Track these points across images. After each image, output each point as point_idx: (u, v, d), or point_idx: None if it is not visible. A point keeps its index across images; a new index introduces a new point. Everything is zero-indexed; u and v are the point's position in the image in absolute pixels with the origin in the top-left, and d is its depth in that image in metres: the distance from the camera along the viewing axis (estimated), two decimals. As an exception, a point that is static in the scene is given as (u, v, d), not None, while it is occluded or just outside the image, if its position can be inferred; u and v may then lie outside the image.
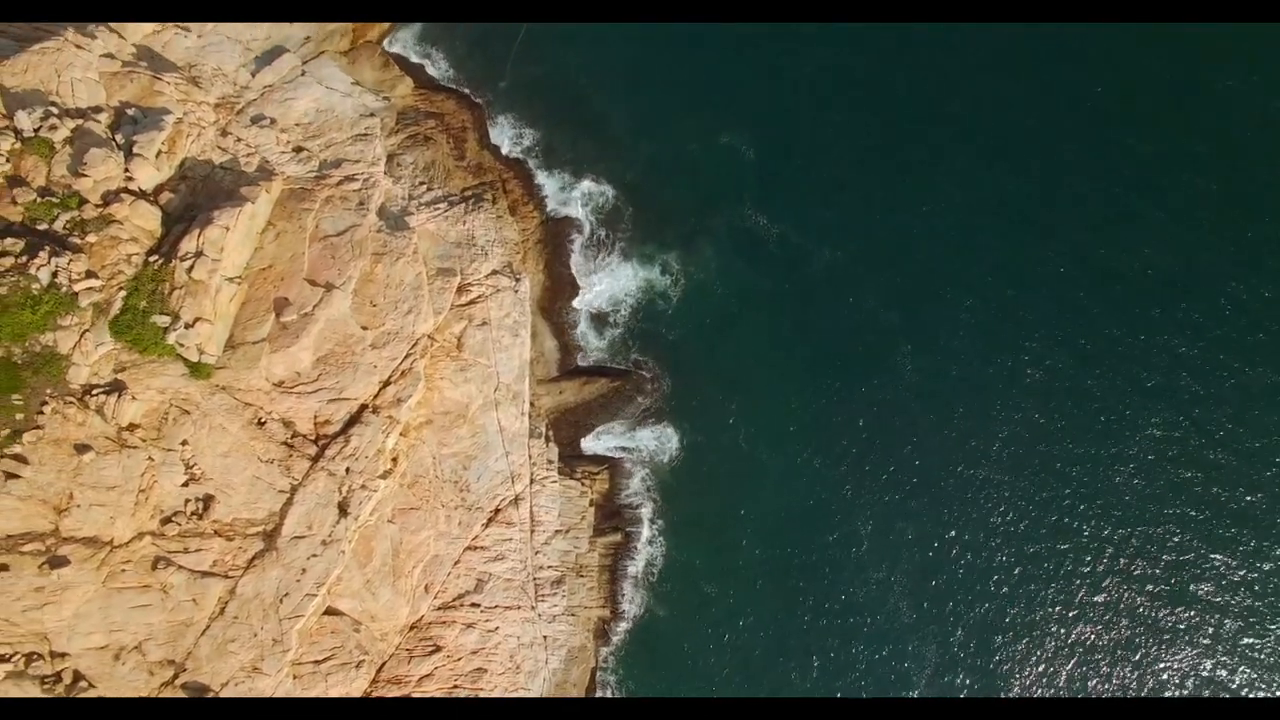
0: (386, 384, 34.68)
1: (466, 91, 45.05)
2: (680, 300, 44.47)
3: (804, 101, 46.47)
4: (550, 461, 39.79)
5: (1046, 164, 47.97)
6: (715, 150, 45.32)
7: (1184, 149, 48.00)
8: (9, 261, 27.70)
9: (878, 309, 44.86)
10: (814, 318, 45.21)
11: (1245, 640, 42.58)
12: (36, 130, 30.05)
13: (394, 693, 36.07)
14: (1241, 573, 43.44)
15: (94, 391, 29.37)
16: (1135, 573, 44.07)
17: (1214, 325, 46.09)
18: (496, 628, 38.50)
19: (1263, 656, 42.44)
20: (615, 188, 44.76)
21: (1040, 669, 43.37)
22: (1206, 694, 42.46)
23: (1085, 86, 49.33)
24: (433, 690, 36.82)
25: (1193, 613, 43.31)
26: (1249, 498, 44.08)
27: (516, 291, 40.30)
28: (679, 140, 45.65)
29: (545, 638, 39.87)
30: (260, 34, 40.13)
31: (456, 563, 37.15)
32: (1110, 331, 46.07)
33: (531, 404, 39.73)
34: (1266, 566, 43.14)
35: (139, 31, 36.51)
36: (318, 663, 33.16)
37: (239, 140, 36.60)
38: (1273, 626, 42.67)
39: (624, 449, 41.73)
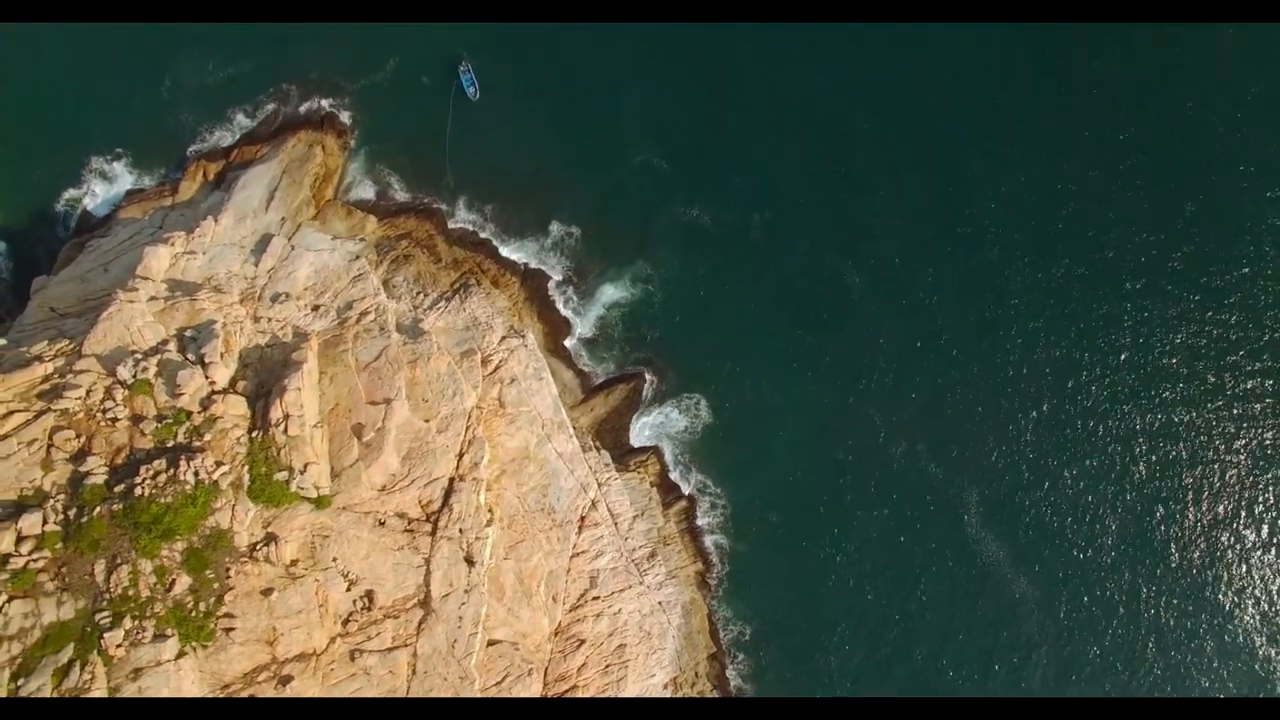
0: (461, 456, 42.62)
1: (420, 205, 52.84)
2: (659, 300, 52.40)
3: (690, 106, 54.37)
4: (607, 465, 47.80)
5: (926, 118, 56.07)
6: (635, 170, 53.25)
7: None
8: (163, 477, 35.70)
9: (814, 247, 53.12)
10: (767, 272, 53.42)
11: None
12: (134, 376, 38.00)
13: (562, 687, 44.09)
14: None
15: (257, 547, 37.34)
16: (1124, 390, 52.88)
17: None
18: (619, 610, 46.44)
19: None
20: (569, 231, 52.53)
21: (1048, 491, 51.75)
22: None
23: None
24: (591, 675, 44.81)
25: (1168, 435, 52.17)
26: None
27: (526, 346, 48.17)
28: (603, 173, 53.43)
29: (660, 603, 47.80)
30: (246, 230, 48.15)
31: (568, 571, 45.11)
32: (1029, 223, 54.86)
33: (574, 427, 47.68)
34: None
35: (160, 271, 44.55)
36: (499, 683, 41.15)
37: (269, 320, 44.58)
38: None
39: (660, 432, 49.81)
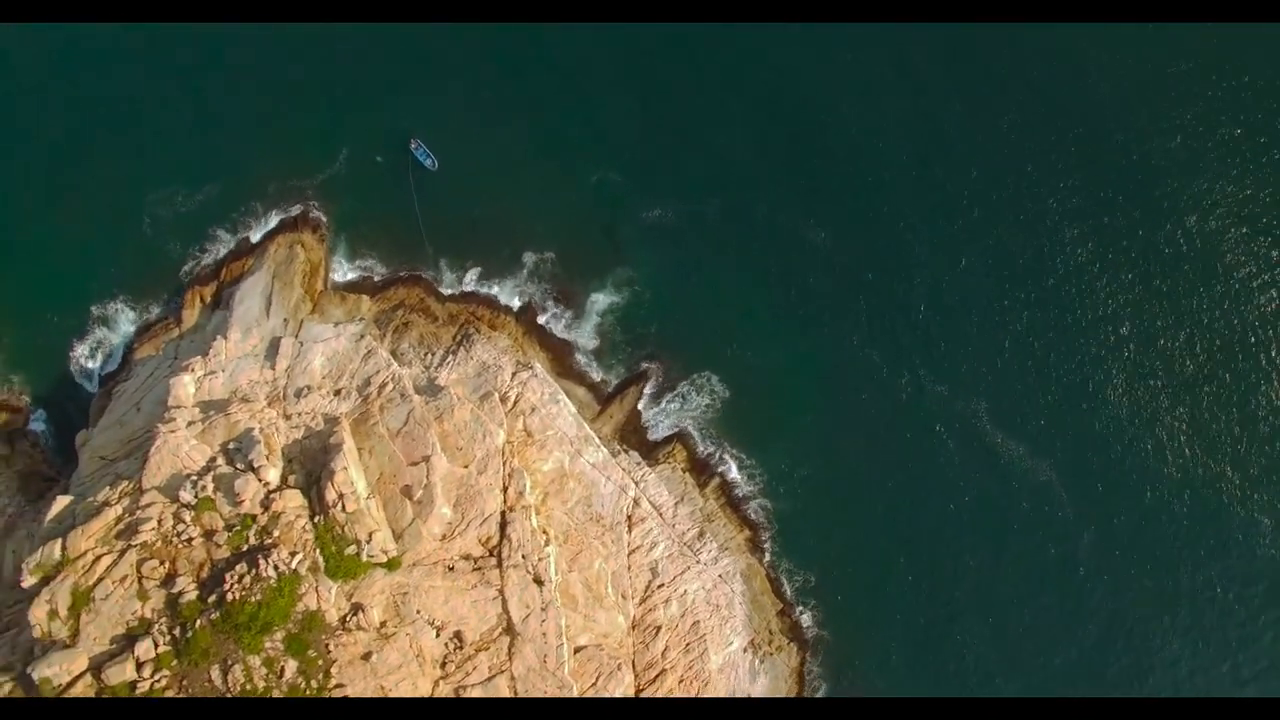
0: (505, 489, 45.81)
1: (405, 274, 55.73)
2: (647, 299, 55.42)
3: (626, 120, 57.46)
4: (638, 463, 50.97)
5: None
6: (592, 188, 56.29)
7: None
8: (248, 579, 38.88)
9: (771, 215, 56.37)
10: (737, 246, 56.54)
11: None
12: (196, 496, 41.21)
13: (652, 674, 47.23)
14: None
15: (347, 618, 40.54)
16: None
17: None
18: (684, 591, 49.58)
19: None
20: (547, 260, 55.44)
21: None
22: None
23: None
24: (675, 656, 47.95)
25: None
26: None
27: (536, 375, 51.30)
28: (565, 200, 56.38)
29: (720, 576, 50.95)
30: (255, 339, 51.24)
31: (629, 568, 48.32)
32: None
33: (599, 437, 50.85)
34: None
35: (189, 398, 47.68)
36: (593, 684, 44.31)
37: (299, 414, 47.71)
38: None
39: (680, 417, 52.97)
